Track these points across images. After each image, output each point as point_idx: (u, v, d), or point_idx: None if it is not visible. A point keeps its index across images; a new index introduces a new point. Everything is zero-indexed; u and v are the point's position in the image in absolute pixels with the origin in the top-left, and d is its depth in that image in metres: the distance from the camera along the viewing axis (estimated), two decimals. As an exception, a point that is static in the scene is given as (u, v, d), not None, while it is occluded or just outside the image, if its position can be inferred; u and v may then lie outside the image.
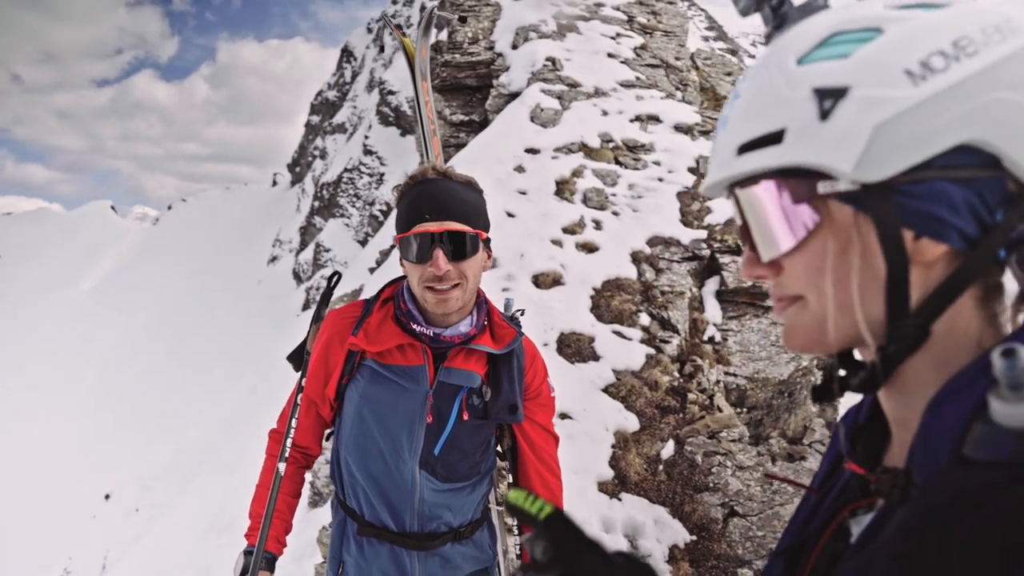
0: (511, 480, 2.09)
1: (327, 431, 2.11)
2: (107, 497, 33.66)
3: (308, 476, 6.70)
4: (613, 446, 5.20)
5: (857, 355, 0.79)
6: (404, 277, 1.95)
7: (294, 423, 2.02)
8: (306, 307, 40.87)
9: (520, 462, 2.06)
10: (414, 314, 1.85)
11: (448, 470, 1.91)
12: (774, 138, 0.69)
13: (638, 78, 10.82)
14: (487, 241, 1.85)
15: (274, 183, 78.32)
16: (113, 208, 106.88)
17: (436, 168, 1.81)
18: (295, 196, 61.96)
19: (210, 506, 20.52)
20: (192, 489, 23.96)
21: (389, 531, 1.91)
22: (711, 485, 5.01)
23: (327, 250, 43.21)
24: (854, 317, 0.69)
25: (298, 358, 2.07)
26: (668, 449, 5.28)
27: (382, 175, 42.72)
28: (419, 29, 2.33)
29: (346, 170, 44.75)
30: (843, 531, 0.78)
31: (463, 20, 11.86)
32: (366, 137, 44.53)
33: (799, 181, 0.69)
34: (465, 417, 1.88)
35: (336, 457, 2.01)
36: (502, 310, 2.09)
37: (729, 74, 13.20)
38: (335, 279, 2.09)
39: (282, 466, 2.01)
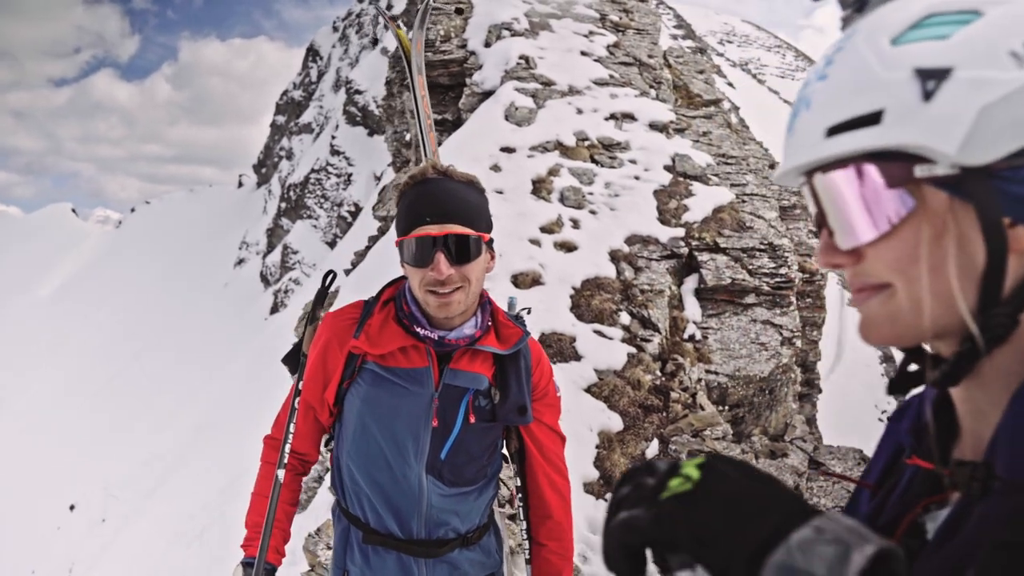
0: (518, 483, 2.06)
1: (324, 437, 2.06)
2: (72, 508, 33.00)
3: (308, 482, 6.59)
4: (597, 446, 5.18)
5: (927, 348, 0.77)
6: (404, 278, 1.91)
7: (292, 428, 1.97)
8: (274, 310, 40.50)
9: (528, 464, 2.03)
10: (417, 317, 1.81)
11: (455, 474, 1.88)
12: (871, 119, 0.67)
13: (612, 76, 10.83)
14: (490, 242, 1.82)
15: (240, 184, 77.52)
16: (74, 211, 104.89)
17: (436, 167, 1.77)
18: (261, 197, 61.42)
19: (178, 515, 20.22)
20: (159, 498, 23.60)
21: (395, 539, 1.88)
22: (697, 484, 5.00)
23: (295, 252, 42.89)
24: (950, 305, 0.67)
25: (294, 361, 2.03)
26: (653, 448, 5.26)
27: (350, 175, 42.54)
28: (415, 22, 2.26)
29: (313, 171, 44.46)
30: (915, 528, 0.76)
31: (459, 11, 11.78)
32: (333, 137, 44.31)
33: (894, 164, 0.67)
34: (472, 420, 1.85)
35: (337, 464, 1.97)
36: (506, 309, 2.06)
37: (701, 72, 13.28)
38: (330, 278, 2.04)
39: (281, 473, 1.97)
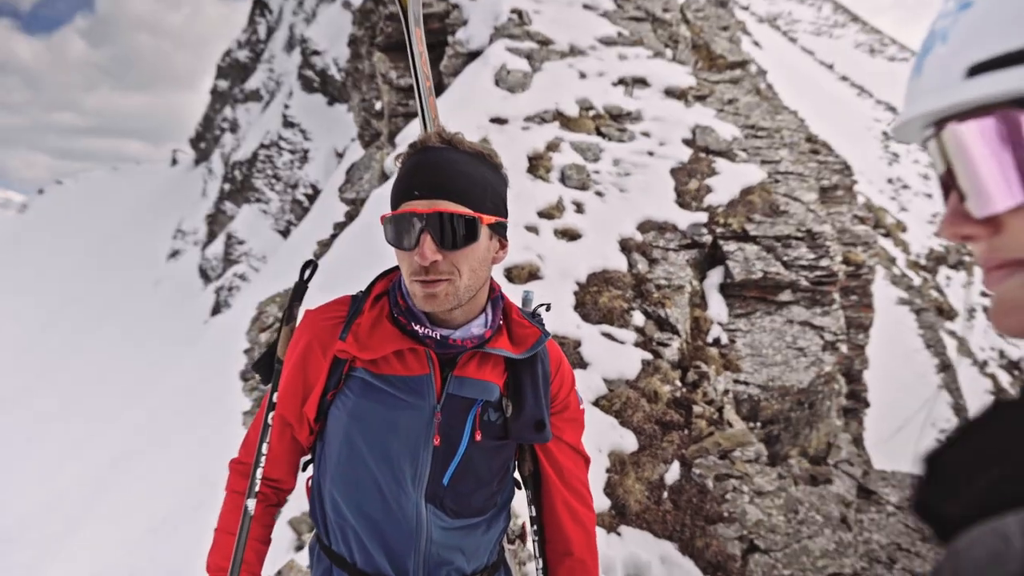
0: (533, 513, 2.04)
1: (303, 459, 2.03)
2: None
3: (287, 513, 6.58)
4: (608, 470, 5.21)
5: None
6: (396, 269, 1.88)
7: (264, 450, 1.92)
8: (216, 311, 40.28)
9: (545, 491, 2.01)
10: (415, 312, 1.77)
11: (460, 503, 1.85)
12: (1015, 58, 0.64)
13: (620, 34, 10.87)
14: (498, 226, 1.76)
15: (174, 162, 77.08)
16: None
17: (442, 135, 1.71)
18: (200, 178, 61.05)
19: (92, 566, 20.08)
20: (69, 545, 23.39)
21: None
22: (726, 515, 5.05)
23: (241, 242, 42.69)
24: None
25: (267, 368, 1.99)
26: (673, 472, 5.30)
27: (306, 152, 42.41)
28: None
29: (262, 146, 44.25)
30: None
31: None
32: (286, 106, 44.12)
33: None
34: (479, 437, 1.82)
35: (318, 492, 1.93)
36: (520, 305, 2.04)
37: (725, 28, 13.36)
38: (310, 270, 1.98)
39: (251, 503, 1.91)
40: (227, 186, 48.09)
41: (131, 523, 19.86)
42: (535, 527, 2.04)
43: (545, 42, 10.32)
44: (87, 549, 21.31)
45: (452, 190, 1.65)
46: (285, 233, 39.64)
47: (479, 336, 1.80)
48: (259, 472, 1.92)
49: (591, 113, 9.11)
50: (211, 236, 49.24)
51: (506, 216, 1.80)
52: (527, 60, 9.84)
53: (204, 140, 66.29)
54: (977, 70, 0.66)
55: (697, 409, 5.82)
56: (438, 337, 1.76)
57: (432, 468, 1.80)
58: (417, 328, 1.77)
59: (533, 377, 1.86)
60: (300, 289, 1.99)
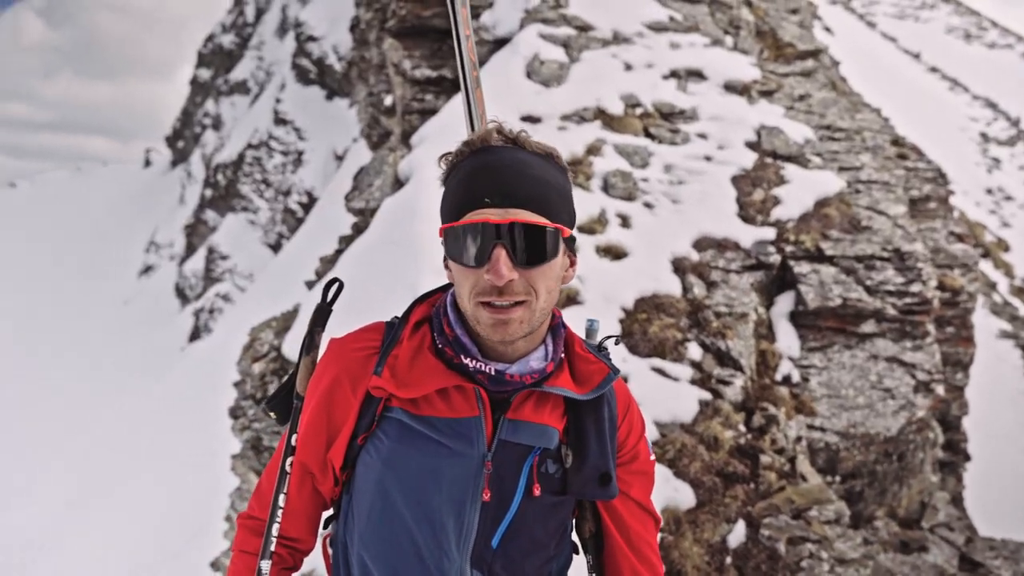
0: None
1: (325, 515, 2.01)
2: None
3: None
4: (662, 529, 5.19)
5: None
6: (441, 291, 1.89)
7: (281, 503, 1.89)
8: (195, 336, 40.55)
9: (609, 557, 1.98)
10: (464, 343, 1.74)
11: (511, 570, 1.82)
12: None
13: (672, 18, 10.91)
14: (571, 240, 1.76)
15: (147, 163, 78.00)
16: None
17: (504, 132, 1.71)
18: (177, 182, 61.63)
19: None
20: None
21: None
22: (801, 584, 5.02)
23: (224, 257, 43.00)
24: None
25: (285, 406, 1.98)
26: (738, 533, 5.28)
27: (300, 153, 42.72)
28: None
29: (250, 146, 44.65)
30: None
31: None
32: (277, 101, 44.52)
33: None
34: (536, 492, 1.79)
35: (343, 553, 1.92)
36: (583, 336, 2.02)
37: (794, 11, 13.38)
38: (335, 289, 1.98)
39: (265, 566, 1.87)
40: (209, 192, 48.52)
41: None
42: None
43: (584, 28, 10.37)
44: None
45: (529, 197, 1.64)
46: (276, 247, 39.89)
47: (539, 371, 1.77)
48: (275, 529, 1.89)
49: (638, 111, 9.14)
50: (190, 250, 49.65)
51: (575, 227, 1.78)
52: (563, 49, 9.89)
53: (182, 138, 66.99)
54: None
55: (765, 459, 5.79)
56: (492, 372, 1.73)
57: (480, 527, 1.77)
58: (467, 362, 1.74)
59: (598, 422, 1.84)
60: (323, 313, 1.97)
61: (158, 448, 24.38)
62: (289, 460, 1.90)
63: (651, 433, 5.77)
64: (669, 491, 5.40)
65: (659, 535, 5.09)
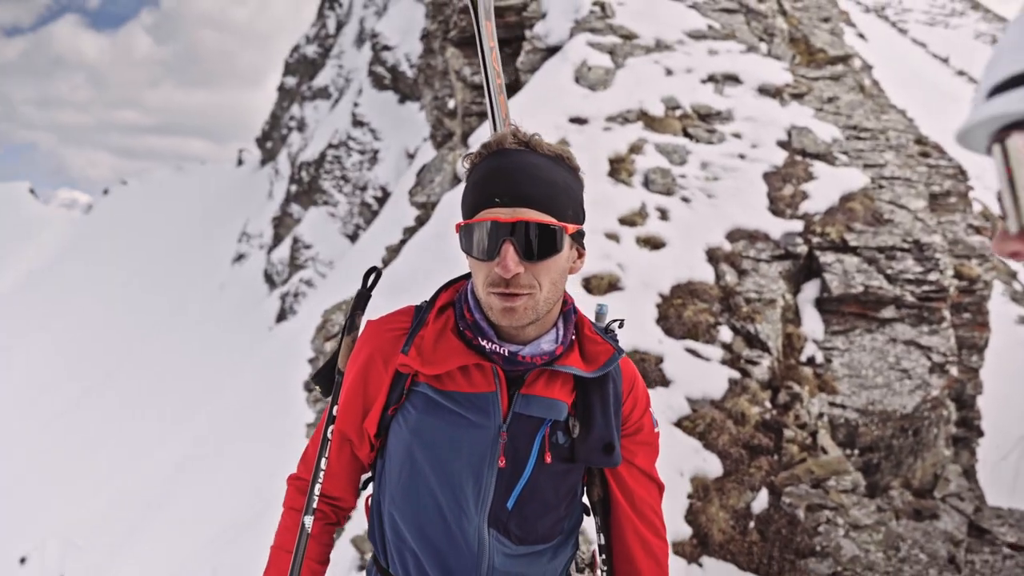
0: (601, 542, 2.04)
1: (364, 477, 2.07)
2: (23, 561, 33.90)
3: (348, 532, 6.72)
4: (690, 496, 5.18)
5: None
6: (463, 279, 1.92)
7: (323, 465, 1.95)
8: (282, 318, 41.20)
9: (615, 519, 2.01)
10: (482, 327, 1.79)
11: (524, 529, 1.86)
12: (1021, 79, 0.69)
13: (711, 27, 10.81)
14: (578, 235, 1.79)
15: (239, 162, 79.21)
16: (32, 191, 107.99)
17: (518, 135, 1.73)
18: (266, 178, 62.59)
19: (160, 570, 20.69)
20: (131, 551, 24.16)
21: None
22: (818, 548, 4.98)
23: (307, 246, 43.58)
24: None
25: (327, 380, 2.04)
26: (761, 501, 5.25)
27: (376, 152, 43.09)
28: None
29: (331, 146, 45.13)
30: None
31: None
32: (355, 104, 44.92)
33: None
34: (548, 459, 1.83)
35: (377, 511, 1.97)
36: (593, 319, 2.04)
37: (826, 20, 13.16)
38: (374, 277, 2.01)
39: (308, 521, 1.93)
40: (294, 187, 49.13)
41: (192, 532, 20.46)
42: (603, 556, 2.04)
43: (629, 36, 10.34)
44: (149, 557, 22.04)
45: (536, 198, 1.67)
46: (353, 237, 40.30)
47: (549, 352, 1.81)
48: (317, 488, 1.95)
49: (677, 113, 9.09)
50: (277, 239, 50.37)
51: (584, 221, 1.82)
52: (609, 56, 9.87)
53: (271, 139, 67.91)
54: (994, 91, 0.72)
55: (788, 433, 5.74)
56: (506, 353, 1.77)
57: (496, 491, 1.82)
58: (484, 343, 1.78)
59: (603, 397, 1.87)
60: (363, 298, 2.02)
61: (250, 417, 24.85)
62: (330, 428, 1.96)
63: (683, 408, 5.76)
64: (699, 461, 5.39)
65: (688, 501, 5.11)
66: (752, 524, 5.13)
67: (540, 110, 8.76)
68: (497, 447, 1.80)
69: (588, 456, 1.86)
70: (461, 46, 11.76)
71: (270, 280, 48.68)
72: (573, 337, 1.89)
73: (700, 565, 4.83)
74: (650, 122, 8.84)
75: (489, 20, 2.25)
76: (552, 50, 10.45)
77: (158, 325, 54.19)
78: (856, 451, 6.32)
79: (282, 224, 50.46)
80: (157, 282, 61.78)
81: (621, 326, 2.07)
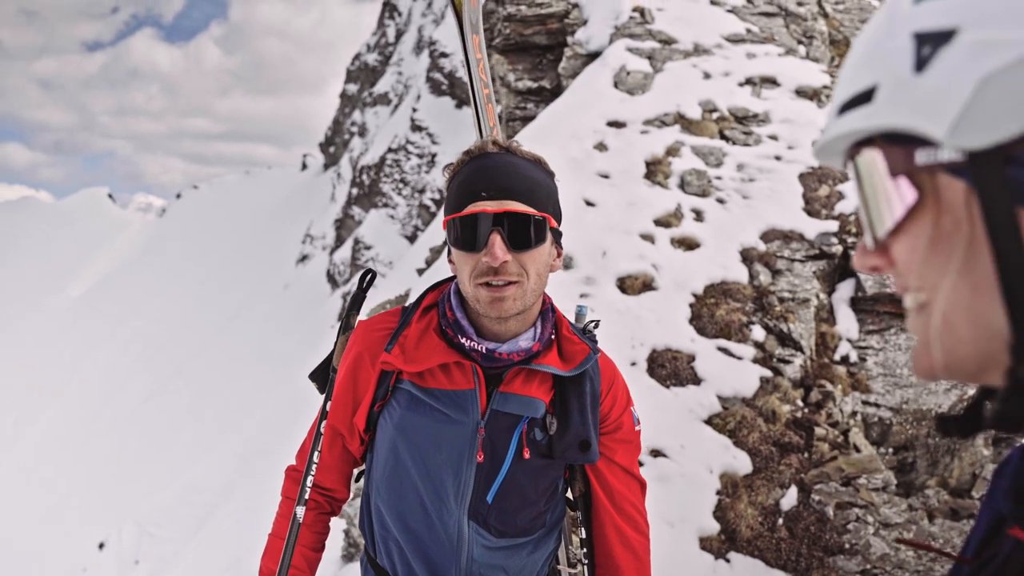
0: (583, 535, 2.04)
1: (357, 470, 2.10)
2: (101, 546, 34.82)
3: (342, 523, 6.78)
4: (719, 492, 5.13)
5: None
6: (449, 280, 1.94)
7: (315, 458, 2.00)
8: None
9: (595, 514, 2.01)
10: (463, 325, 1.82)
11: (504, 522, 1.88)
12: (866, 96, 0.69)
13: (749, 30, 10.68)
14: (557, 233, 1.82)
15: (304, 166, 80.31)
16: (111, 196, 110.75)
17: (498, 142, 1.79)
18: (329, 182, 63.31)
19: (225, 557, 21.08)
20: (203, 537, 24.65)
21: None
22: (847, 546, 4.88)
23: (368, 247, 43.97)
24: (983, 326, 0.66)
25: (323, 377, 2.07)
26: (790, 498, 5.17)
27: (434, 156, 43.29)
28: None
29: (390, 150, 45.48)
30: None
31: None
32: (414, 110, 45.19)
33: (896, 149, 0.68)
34: (526, 455, 1.84)
35: (367, 503, 2.01)
36: (573, 320, 2.06)
37: (868, 21, 12.91)
38: (368, 279, 2.06)
39: (300, 510, 1.99)
40: (355, 191, 49.63)
41: (255, 522, 20.78)
42: (584, 550, 2.05)
43: (668, 41, 10.26)
44: (217, 544, 22.45)
45: (519, 191, 1.71)
46: (412, 239, 40.60)
47: (526, 350, 1.82)
48: (309, 480, 2.00)
49: (714, 115, 9.00)
50: (339, 241, 50.91)
51: (560, 224, 1.85)
52: (648, 60, 9.81)
53: (333, 144, 68.68)
54: (843, 108, 0.73)
55: (819, 431, 5.65)
56: (484, 350, 1.80)
57: (476, 485, 1.84)
58: (463, 341, 1.81)
59: (580, 395, 1.87)
60: (358, 298, 2.06)
61: (310, 412, 25.17)
62: (323, 423, 2.00)
63: (714, 406, 5.71)
64: (728, 458, 5.34)
65: (717, 497, 5.05)
66: (781, 521, 5.05)
67: (579, 114, 8.74)
68: (475, 443, 1.82)
69: (565, 452, 1.86)
70: (506, 52, 11.77)
71: (332, 280, 49.23)
72: (552, 336, 1.90)
73: (728, 561, 4.78)
74: (687, 125, 8.77)
75: (476, 34, 2.25)
76: (593, 56, 10.42)
77: (227, 323, 55.18)
78: (890, 450, 6.19)
79: (344, 226, 51.01)
80: (226, 282, 62.91)
81: (596, 326, 2.08)
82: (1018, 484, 0.78)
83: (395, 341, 1.84)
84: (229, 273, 64.28)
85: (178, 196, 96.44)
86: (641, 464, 5.25)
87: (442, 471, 1.84)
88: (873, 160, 0.71)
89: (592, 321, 2.09)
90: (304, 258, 57.69)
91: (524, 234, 1.70)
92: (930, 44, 0.64)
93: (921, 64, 0.64)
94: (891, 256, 0.73)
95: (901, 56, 0.66)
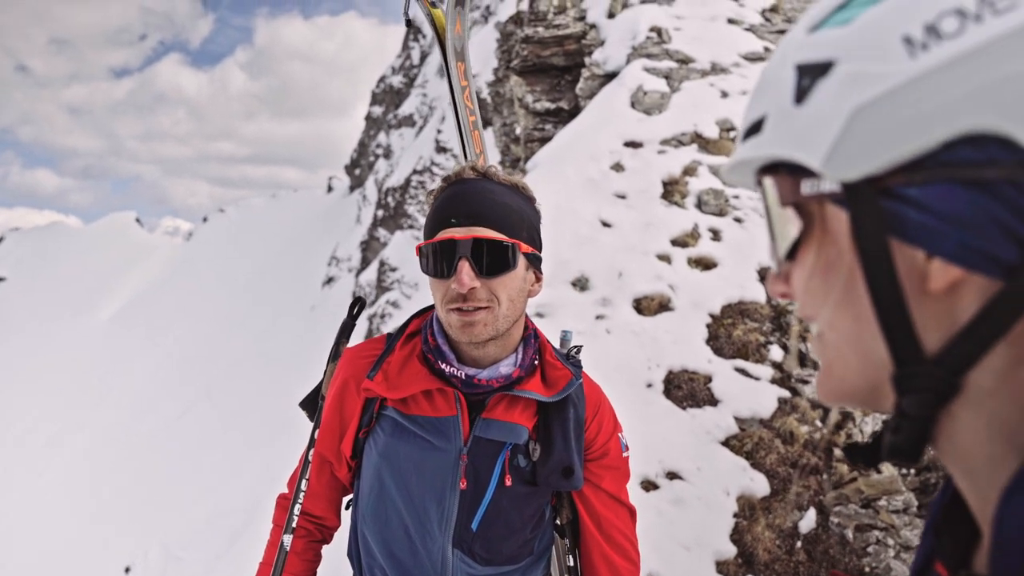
0: (571, 563, 2.03)
1: (347, 498, 2.10)
2: (127, 570, 34.98)
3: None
4: (736, 515, 5.08)
5: None
6: (432, 307, 1.94)
7: (303, 486, 2.00)
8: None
9: (583, 542, 2.00)
10: (443, 351, 1.82)
11: (489, 550, 1.86)
12: (757, 126, 0.70)
13: (767, 48, 10.67)
14: (533, 258, 1.80)
15: (329, 189, 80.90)
16: (139, 220, 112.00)
17: (476, 168, 1.78)
18: (354, 204, 63.65)
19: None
20: (230, 560, 24.74)
21: None
22: (867, 569, 4.83)
23: (393, 269, 44.07)
24: (867, 356, 0.66)
25: (312, 405, 2.07)
26: (808, 520, 5.12)
27: (458, 177, 43.42)
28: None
29: (415, 172, 45.65)
30: None
31: None
32: (439, 131, 45.34)
33: (787, 178, 0.69)
34: (508, 482, 1.83)
35: (354, 530, 2.00)
36: (557, 345, 2.05)
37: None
38: (357, 307, 2.06)
39: (287, 539, 1.98)
40: (380, 212, 49.81)
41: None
42: None
43: (685, 60, 10.27)
44: (244, 565, 22.50)
45: (489, 217, 1.70)
46: (436, 260, 40.69)
47: (507, 376, 1.82)
48: (297, 508, 2.00)
49: (732, 134, 8.98)
50: (364, 263, 51.06)
51: (540, 249, 1.84)
52: (665, 80, 9.82)
53: (359, 166, 69.17)
54: (745, 136, 0.73)
55: (838, 453, 5.59)
56: (463, 376, 1.79)
57: (460, 512, 1.83)
58: (444, 367, 1.81)
59: (563, 421, 1.86)
60: (347, 327, 2.07)
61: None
62: (312, 451, 2.01)
63: (731, 428, 5.66)
64: (745, 480, 5.29)
65: (734, 520, 5.01)
66: (799, 544, 5.00)
67: (595, 135, 8.76)
68: (458, 470, 1.81)
69: (548, 479, 1.85)
70: (524, 74, 11.84)
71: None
72: (536, 362, 1.90)
73: (745, 585, 4.73)
74: (704, 144, 8.76)
75: (462, 61, 2.27)
76: (610, 76, 10.45)
77: (254, 344, 55.53)
78: (912, 471, 6.11)
79: (369, 248, 51.23)
80: (253, 304, 63.33)
81: (579, 352, 2.06)
82: (937, 519, 0.77)
83: (378, 368, 1.83)
84: (256, 295, 64.75)
85: (204, 219, 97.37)
86: (655, 486, 5.24)
87: (426, 498, 1.83)
88: (768, 188, 0.72)
89: (575, 347, 2.07)
90: (330, 280, 57.97)
91: (494, 260, 1.68)
92: (809, 76, 0.65)
93: (801, 96, 0.65)
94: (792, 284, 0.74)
95: (784, 87, 0.67)
